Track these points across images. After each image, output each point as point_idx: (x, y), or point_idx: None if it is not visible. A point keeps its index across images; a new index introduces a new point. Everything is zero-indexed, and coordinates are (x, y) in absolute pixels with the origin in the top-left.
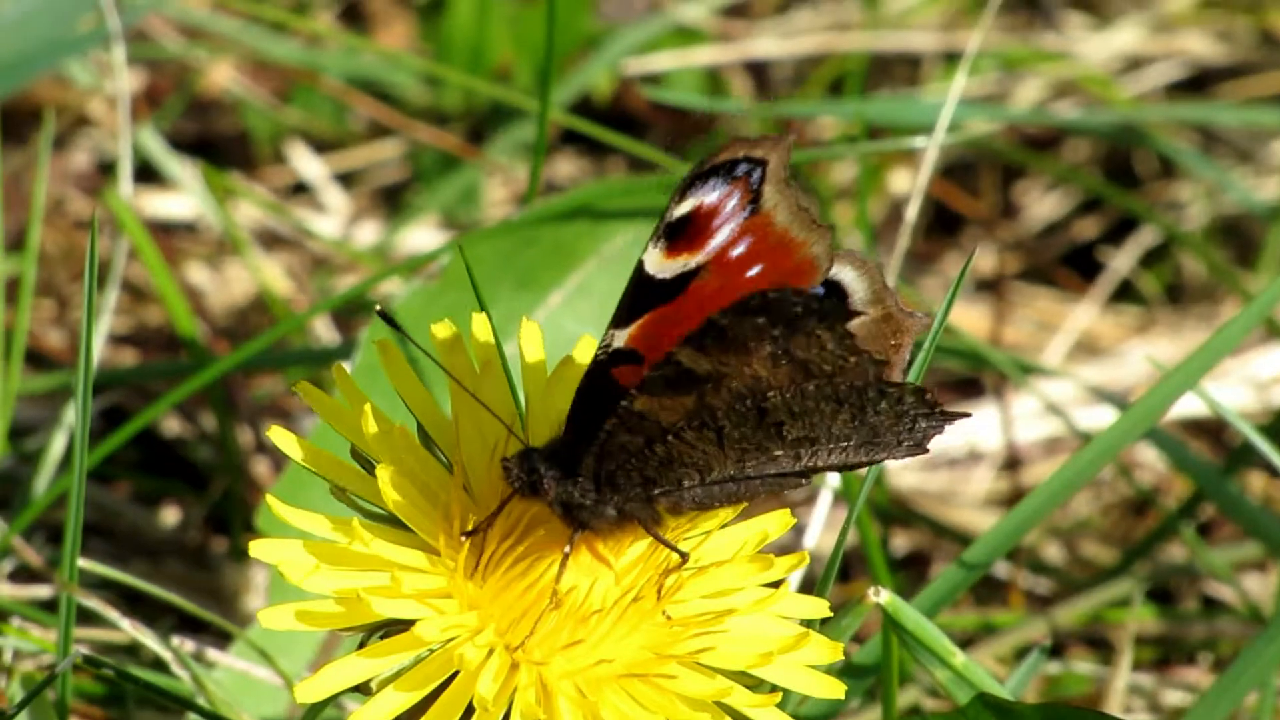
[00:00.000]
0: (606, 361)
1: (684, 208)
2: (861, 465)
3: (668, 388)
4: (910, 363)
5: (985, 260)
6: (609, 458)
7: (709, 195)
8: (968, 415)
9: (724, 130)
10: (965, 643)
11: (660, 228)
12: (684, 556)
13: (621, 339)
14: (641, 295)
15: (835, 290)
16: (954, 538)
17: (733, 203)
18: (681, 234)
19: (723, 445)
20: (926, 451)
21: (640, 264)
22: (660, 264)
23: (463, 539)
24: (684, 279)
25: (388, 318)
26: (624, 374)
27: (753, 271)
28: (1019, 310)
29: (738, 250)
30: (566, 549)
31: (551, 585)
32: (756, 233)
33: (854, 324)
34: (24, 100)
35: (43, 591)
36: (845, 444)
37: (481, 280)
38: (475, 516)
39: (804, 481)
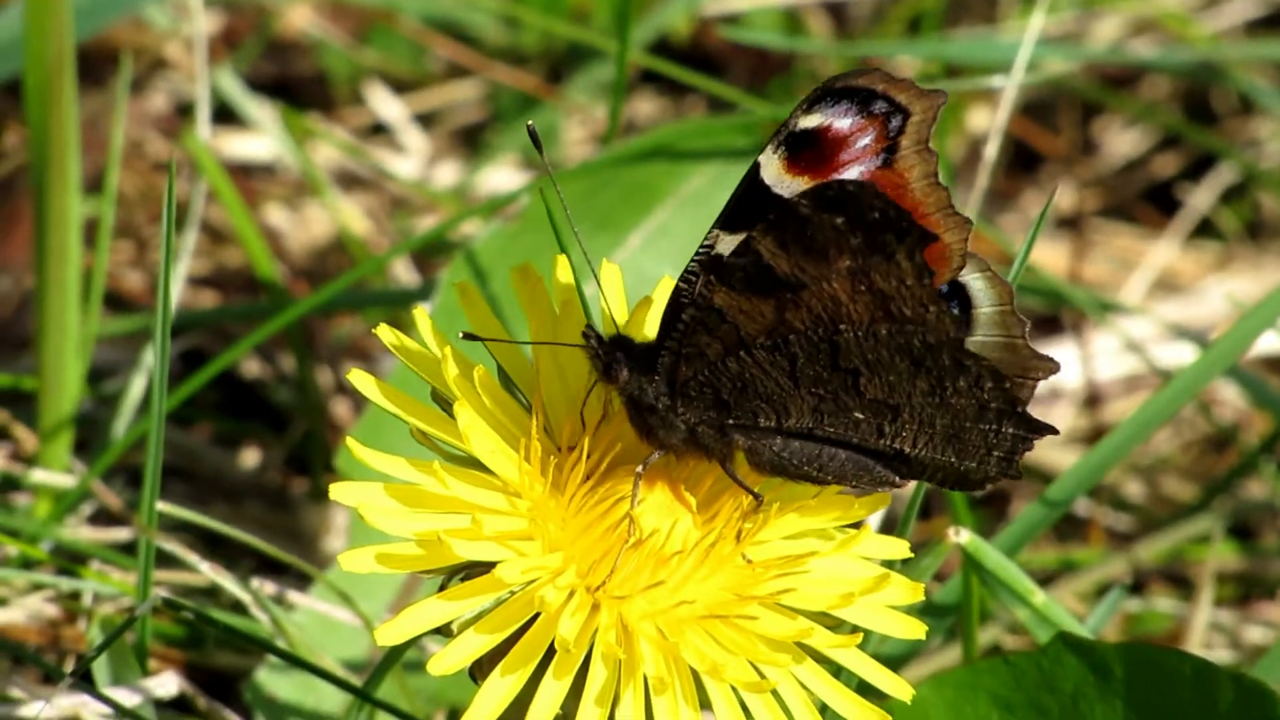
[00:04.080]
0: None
1: (811, 120)
2: (952, 474)
3: (747, 285)
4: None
5: (1064, 198)
6: (685, 361)
7: (840, 120)
8: (1054, 430)
9: (803, 70)
10: (1045, 580)
11: (783, 134)
12: (758, 498)
13: (728, 245)
14: (755, 204)
15: (960, 294)
16: (1034, 475)
17: (865, 140)
18: (804, 152)
19: (797, 381)
20: (1018, 475)
21: (756, 166)
22: (779, 177)
23: (559, 452)
24: None
25: (534, 135)
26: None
27: None
28: (1098, 248)
29: None
30: (639, 469)
31: (634, 524)
32: (888, 190)
33: (971, 341)
34: (102, 43)
35: (122, 534)
36: (930, 429)
37: (560, 222)
38: (555, 458)
39: (897, 481)
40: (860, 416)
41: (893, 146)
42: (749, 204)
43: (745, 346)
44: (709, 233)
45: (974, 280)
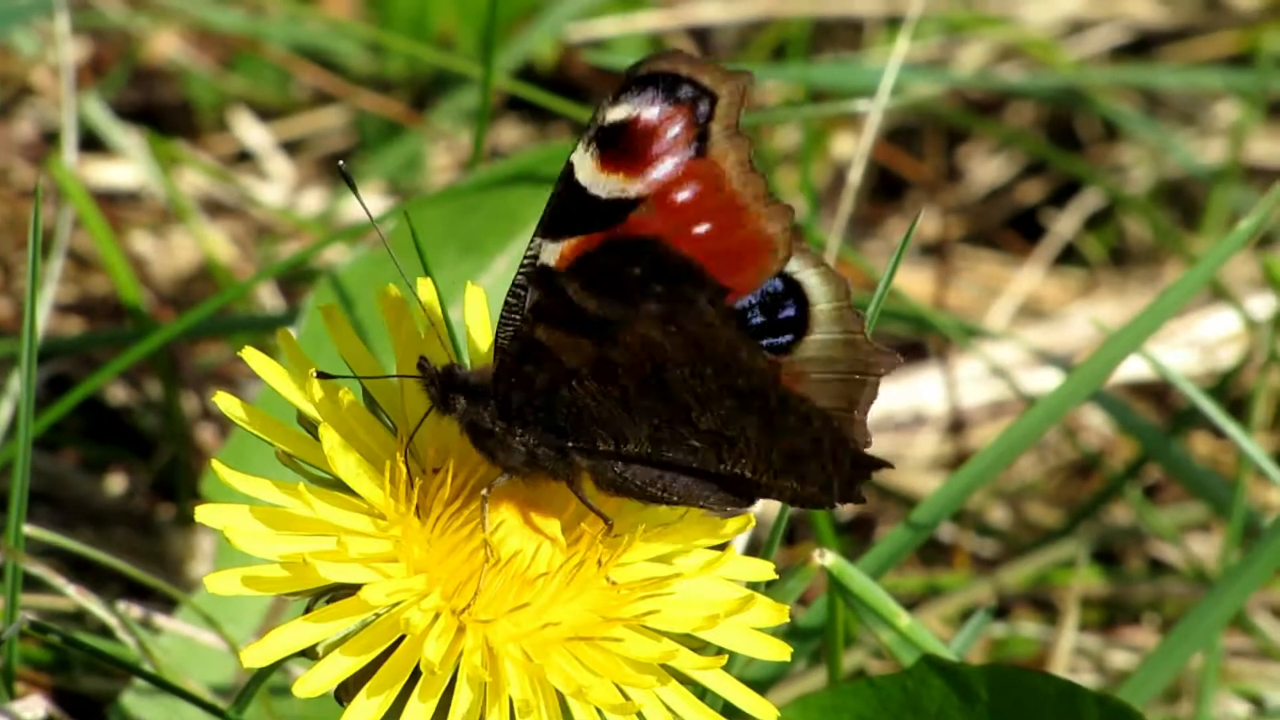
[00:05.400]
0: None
1: (619, 112)
2: (798, 497)
3: (563, 323)
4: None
5: (929, 224)
6: (516, 388)
7: (647, 110)
8: (889, 465)
9: None
10: (911, 605)
11: (591, 131)
12: (608, 521)
13: (551, 255)
14: (573, 208)
15: (795, 291)
16: (899, 501)
17: (675, 130)
18: (616, 147)
19: (631, 411)
20: (862, 500)
21: (570, 167)
22: (593, 176)
23: (424, 474)
24: (622, 207)
25: (348, 176)
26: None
27: (700, 229)
28: (963, 274)
29: (683, 195)
30: (484, 492)
31: (497, 546)
32: (704, 182)
33: (810, 341)
34: None
35: None
36: (768, 459)
37: (426, 247)
38: (420, 480)
39: (745, 503)
40: (697, 444)
41: (704, 134)
42: (567, 207)
43: (573, 377)
44: (531, 241)
45: (809, 276)
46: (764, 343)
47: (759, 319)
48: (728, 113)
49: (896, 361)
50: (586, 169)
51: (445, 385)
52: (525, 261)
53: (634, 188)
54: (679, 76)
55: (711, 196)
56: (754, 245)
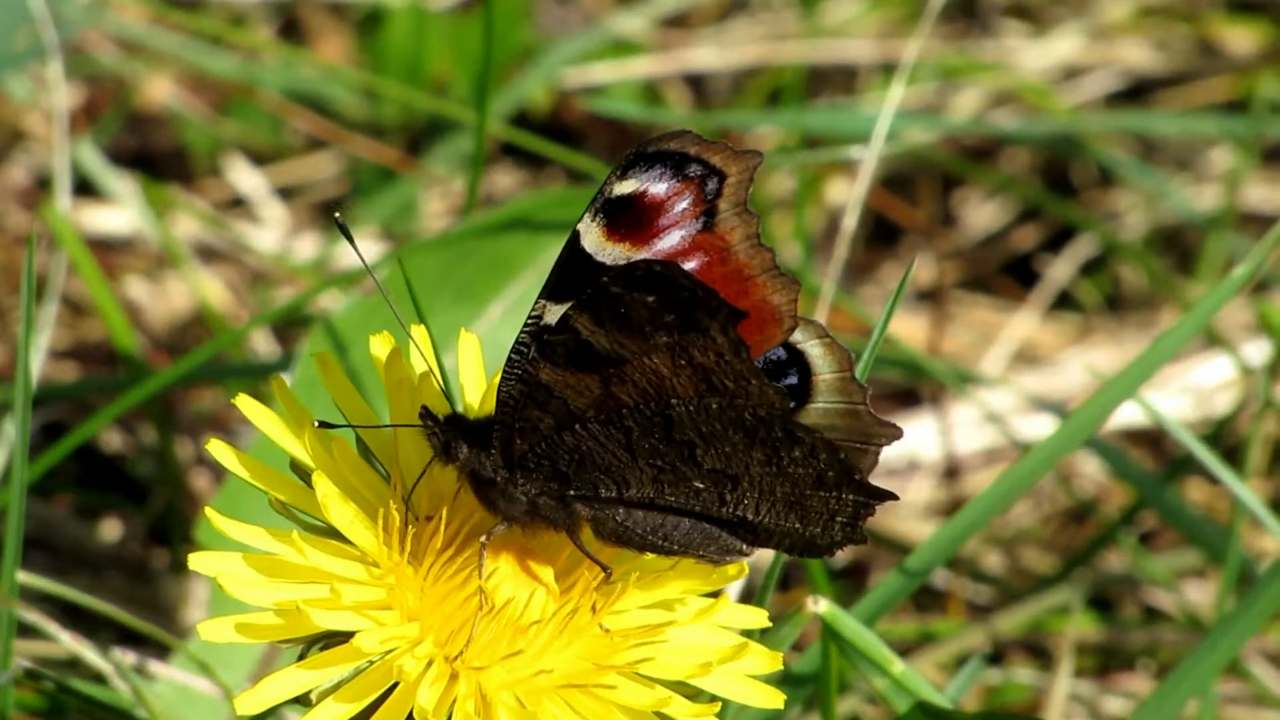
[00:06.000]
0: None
1: (626, 187)
2: (799, 541)
3: (570, 361)
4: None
5: (924, 270)
6: (519, 435)
7: (655, 185)
8: (894, 496)
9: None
10: (905, 651)
11: (598, 201)
12: (606, 570)
13: (555, 315)
14: (577, 272)
15: (798, 361)
16: (893, 547)
17: (683, 204)
18: (622, 218)
19: (634, 454)
20: (863, 540)
21: (576, 234)
22: (600, 244)
23: (418, 521)
24: None
25: (344, 227)
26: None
27: None
28: (958, 320)
29: (689, 265)
30: (483, 539)
31: (490, 593)
32: (711, 254)
33: (811, 409)
34: None
35: None
36: (771, 496)
37: (420, 293)
38: (414, 527)
39: (744, 549)
40: (700, 485)
41: (712, 209)
42: (572, 272)
43: (577, 420)
44: (536, 303)
45: (812, 347)
46: None
47: None
48: (736, 191)
49: (898, 433)
50: (593, 237)
51: (448, 434)
52: (529, 323)
53: (640, 256)
54: (688, 155)
55: (718, 267)
56: (760, 315)
